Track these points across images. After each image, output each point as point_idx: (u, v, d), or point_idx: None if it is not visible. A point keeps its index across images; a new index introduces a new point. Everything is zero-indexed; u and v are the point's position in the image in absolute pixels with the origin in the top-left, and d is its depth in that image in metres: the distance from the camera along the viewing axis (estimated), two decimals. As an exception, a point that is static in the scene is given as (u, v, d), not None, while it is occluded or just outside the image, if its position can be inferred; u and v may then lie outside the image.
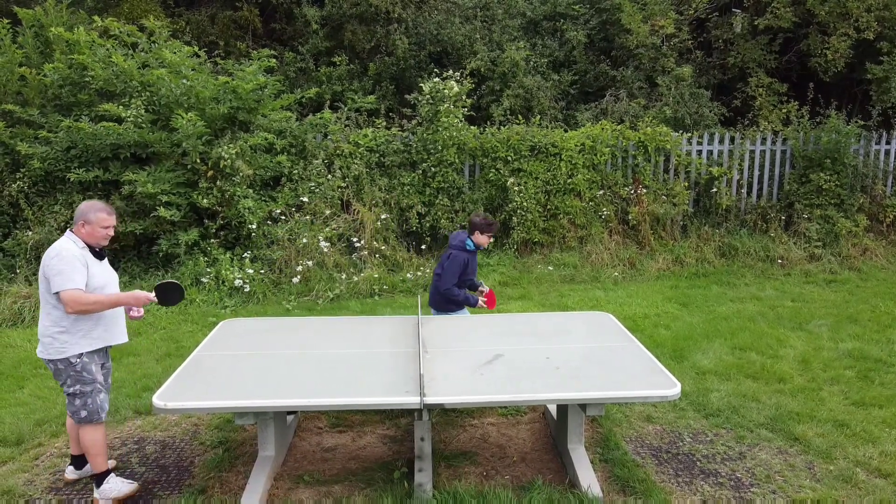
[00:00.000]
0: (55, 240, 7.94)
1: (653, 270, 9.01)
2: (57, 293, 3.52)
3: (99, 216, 3.68)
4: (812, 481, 3.93)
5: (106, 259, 3.87)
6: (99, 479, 3.77)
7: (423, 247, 9.30)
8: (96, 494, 3.76)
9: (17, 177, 8.33)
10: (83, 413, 3.67)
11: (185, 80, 8.35)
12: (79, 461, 4.02)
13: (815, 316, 7.12)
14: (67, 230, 3.76)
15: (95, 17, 9.51)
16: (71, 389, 3.66)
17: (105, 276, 3.75)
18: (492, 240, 5.05)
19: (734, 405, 4.90)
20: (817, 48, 11.06)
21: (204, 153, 8.23)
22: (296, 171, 8.90)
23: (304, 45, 12.27)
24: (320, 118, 9.42)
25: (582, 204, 9.55)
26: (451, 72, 9.67)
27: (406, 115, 10.37)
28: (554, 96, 11.69)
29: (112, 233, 3.78)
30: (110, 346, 3.87)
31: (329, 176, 9.00)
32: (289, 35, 12.86)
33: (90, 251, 3.71)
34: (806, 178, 9.92)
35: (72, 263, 3.55)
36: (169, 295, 3.88)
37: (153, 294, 3.80)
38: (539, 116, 10.58)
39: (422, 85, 9.46)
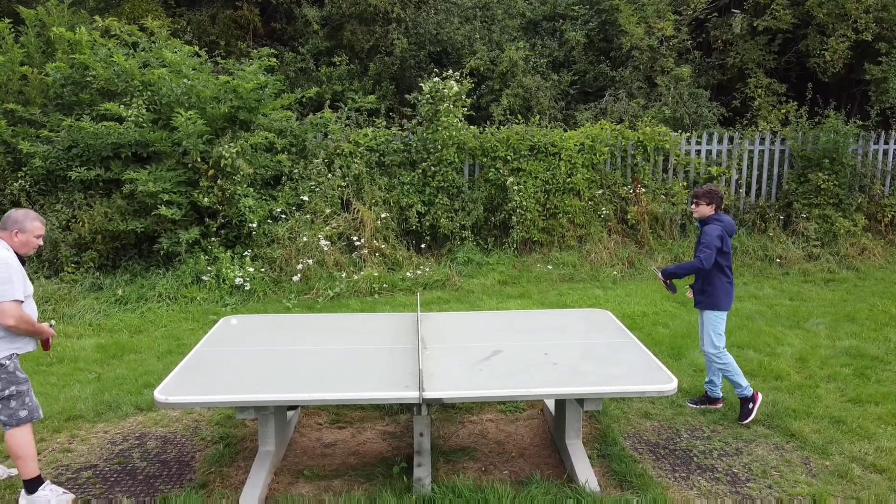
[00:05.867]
0: (57, 238, 7.97)
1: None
2: None
3: (35, 225, 3.55)
4: (808, 476, 3.97)
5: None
6: (31, 484, 3.55)
7: (423, 246, 9.33)
8: (23, 501, 3.55)
9: (19, 175, 8.35)
10: (22, 413, 3.52)
11: (185, 80, 8.38)
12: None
13: (812, 314, 7.15)
14: None
15: (97, 17, 9.55)
16: (7, 392, 3.48)
17: (29, 287, 3.63)
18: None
19: (731, 402, 4.93)
20: (816, 49, 11.10)
21: (205, 152, 8.26)
22: (296, 171, 8.94)
23: (304, 45, 12.31)
24: (320, 118, 9.46)
25: (581, 203, 9.58)
26: (450, 71, 9.70)
27: (406, 114, 10.40)
28: (553, 96, 11.71)
29: (41, 243, 3.66)
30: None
31: (329, 175, 9.03)
32: (289, 35, 12.91)
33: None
34: (804, 178, 9.95)
35: (18, 273, 3.45)
36: None
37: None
38: (538, 116, 10.61)
39: (421, 84, 9.50)
